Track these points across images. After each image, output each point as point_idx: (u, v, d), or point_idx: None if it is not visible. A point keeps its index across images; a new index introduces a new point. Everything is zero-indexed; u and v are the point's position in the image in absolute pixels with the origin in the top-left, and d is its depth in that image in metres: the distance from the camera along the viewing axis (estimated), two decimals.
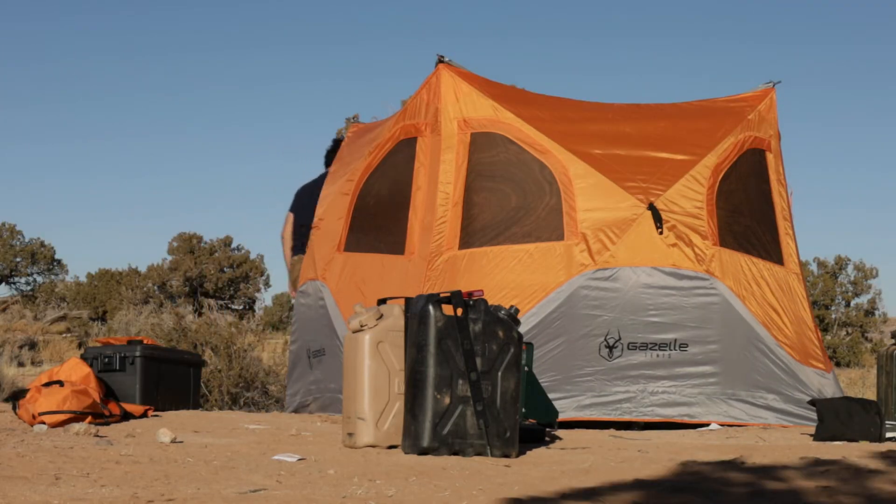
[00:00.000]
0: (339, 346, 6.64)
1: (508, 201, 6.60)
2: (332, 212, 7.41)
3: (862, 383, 16.39)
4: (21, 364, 15.99)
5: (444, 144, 6.65)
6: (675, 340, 6.36)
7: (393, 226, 6.81)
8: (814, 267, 28.56)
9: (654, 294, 6.37)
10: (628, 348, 6.31)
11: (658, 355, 6.34)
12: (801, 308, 6.91)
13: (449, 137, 6.66)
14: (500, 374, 4.50)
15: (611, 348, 6.30)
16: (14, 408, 5.64)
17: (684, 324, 6.39)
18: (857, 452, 4.70)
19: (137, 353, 6.47)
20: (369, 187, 7.18)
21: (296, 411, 7.32)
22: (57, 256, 33.83)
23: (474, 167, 6.60)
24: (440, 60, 6.83)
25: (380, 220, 7.03)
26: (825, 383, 6.75)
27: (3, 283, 33.06)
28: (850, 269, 28.41)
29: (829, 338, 26.86)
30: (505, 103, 6.77)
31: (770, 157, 7.09)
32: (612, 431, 6.01)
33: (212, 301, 28.53)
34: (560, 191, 6.50)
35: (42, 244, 33.43)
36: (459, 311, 4.49)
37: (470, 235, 6.45)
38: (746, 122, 7.04)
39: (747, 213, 6.91)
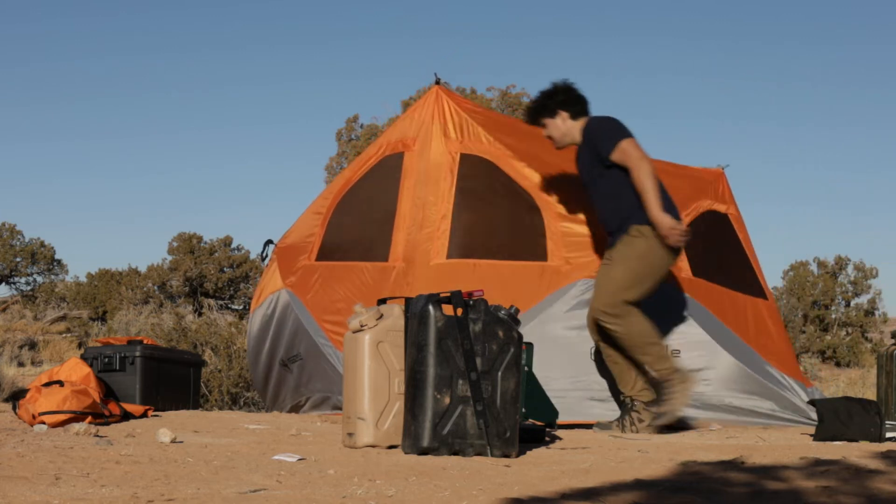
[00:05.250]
0: (318, 346, 6.72)
1: (493, 220, 6.74)
2: (302, 229, 7.48)
3: (862, 383, 16.39)
4: (21, 364, 15.99)
5: (433, 161, 6.74)
6: (667, 347, 6.42)
7: (375, 238, 6.87)
8: (814, 267, 28.56)
9: None
10: None
11: None
12: (784, 339, 7.24)
13: (439, 155, 6.77)
14: (500, 374, 4.50)
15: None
16: (14, 408, 5.64)
17: (671, 332, 6.48)
18: (857, 452, 4.70)
19: (137, 353, 6.47)
20: (349, 200, 7.24)
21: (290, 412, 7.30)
22: (57, 256, 33.84)
23: (462, 186, 6.71)
24: (437, 81, 6.99)
25: (360, 232, 7.09)
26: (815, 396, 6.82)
27: (3, 283, 33.06)
28: (850, 269, 28.42)
29: (828, 338, 26.87)
30: (496, 135, 6.91)
31: (733, 221, 7.42)
32: (612, 431, 6.01)
33: (212, 301, 28.54)
34: (542, 212, 6.63)
35: (42, 244, 33.44)
36: (459, 311, 4.49)
37: (455, 251, 6.53)
38: (706, 188, 7.36)
39: (723, 255, 7.22)
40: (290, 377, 7.18)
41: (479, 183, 6.77)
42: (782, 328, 7.34)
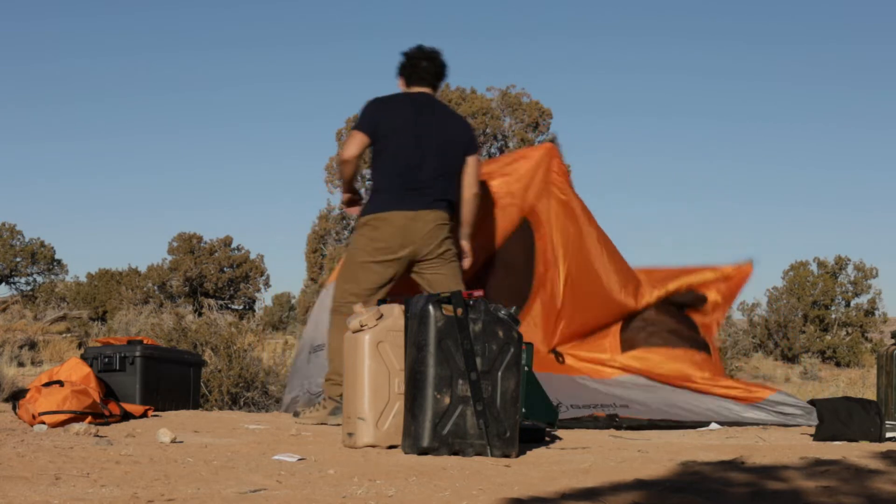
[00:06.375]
0: None
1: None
2: None
3: (862, 383, 16.40)
4: (21, 364, 15.98)
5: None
6: (615, 404, 6.70)
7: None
8: (814, 267, 28.56)
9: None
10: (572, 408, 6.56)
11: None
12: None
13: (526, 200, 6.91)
14: (500, 374, 4.50)
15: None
16: (14, 408, 5.64)
17: (612, 395, 6.81)
18: (857, 452, 4.70)
19: (137, 353, 6.46)
20: None
21: (290, 406, 7.28)
22: (57, 256, 33.86)
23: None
24: (552, 140, 7.29)
25: None
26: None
27: (3, 283, 33.07)
28: (850, 269, 28.43)
29: (829, 338, 26.86)
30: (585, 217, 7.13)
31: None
32: (612, 431, 6.02)
33: (212, 301, 28.55)
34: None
35: (42, 244, 33.46)
36: (459, 311, 4.49)
37: None
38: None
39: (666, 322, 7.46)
40: (306, 368, 7.20)
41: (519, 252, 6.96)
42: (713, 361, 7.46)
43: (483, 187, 6.57)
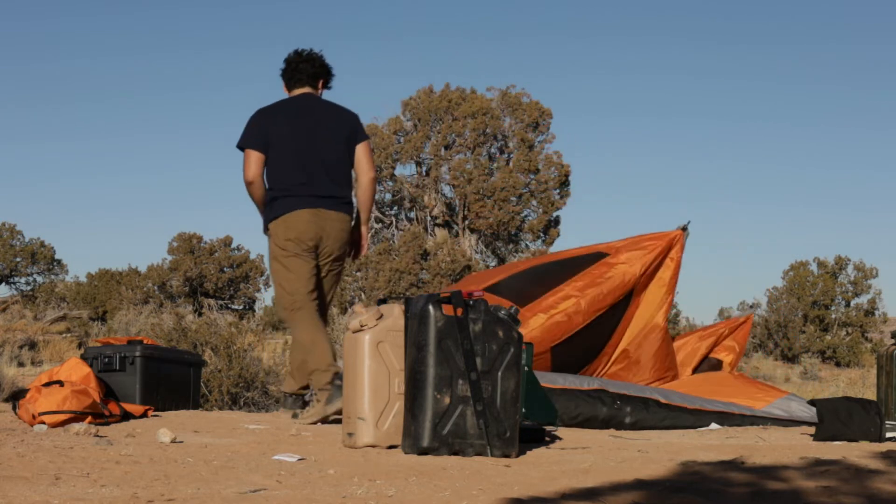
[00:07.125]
0: None
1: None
2: (508, 270, 7.91)
3: (862, 383, 16.41)
4: (21, 364, 15.98)
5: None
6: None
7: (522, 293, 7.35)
8: (814, 267, 28.56)
9: None
10: None
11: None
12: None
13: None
14: (500, 374, 4.50)
15: None
16: (14, 408, 5.64)
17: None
18: (857, 452, 4.70)
19: (137, 353, 6.45)
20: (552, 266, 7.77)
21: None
22: (57, 256, 33.87)
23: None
24: (684, 228, 7.59)
25: (520, 288, 7.46)
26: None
27: (3, 283, 33.08)
28: (850, 269, 28.43)
29: (829, 338, 26.85)
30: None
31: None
32: (612, 431, 6.03)
33: (212, 301, 28.57)
34: None
35: (42, 244, 33.47)
36: (459, 311, 4.49)
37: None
38: None
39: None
40: None
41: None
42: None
43: (604, 256, 7.37)
